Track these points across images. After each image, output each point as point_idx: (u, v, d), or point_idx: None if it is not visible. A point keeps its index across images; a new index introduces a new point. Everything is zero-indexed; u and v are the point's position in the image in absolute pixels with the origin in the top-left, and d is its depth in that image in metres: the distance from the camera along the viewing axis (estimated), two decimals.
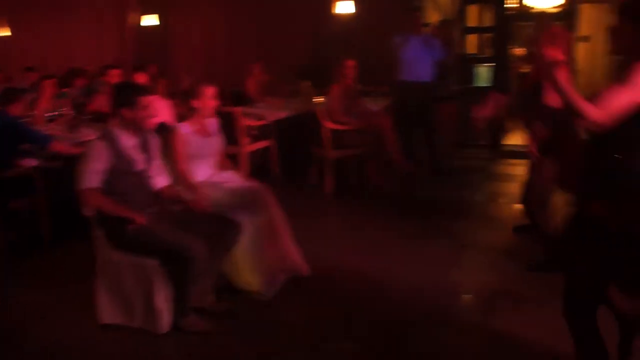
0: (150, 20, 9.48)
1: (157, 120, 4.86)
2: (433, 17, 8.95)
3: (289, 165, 7.05)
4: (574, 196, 2.85)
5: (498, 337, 3.44)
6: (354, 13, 7.86)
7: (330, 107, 6.52)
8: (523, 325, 3.53)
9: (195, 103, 4.04)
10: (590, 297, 2.60)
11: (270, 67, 8.00)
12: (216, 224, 3.69)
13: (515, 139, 8.38)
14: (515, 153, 7.93)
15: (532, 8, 11.28)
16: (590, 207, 2.50)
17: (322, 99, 6.99)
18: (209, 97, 4.05)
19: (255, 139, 6.86)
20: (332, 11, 7.92)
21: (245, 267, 3.91)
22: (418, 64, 6.77)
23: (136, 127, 3.58)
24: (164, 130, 4.56)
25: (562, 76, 2.38)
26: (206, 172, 4.11)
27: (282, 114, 6.98)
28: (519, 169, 7.18)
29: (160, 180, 3.78)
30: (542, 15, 8.49)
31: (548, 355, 3.23)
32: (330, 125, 6.39)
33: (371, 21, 8.16)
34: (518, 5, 9.12)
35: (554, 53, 2.43)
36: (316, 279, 4.20)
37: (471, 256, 4.71)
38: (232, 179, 4.16)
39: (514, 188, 6.54)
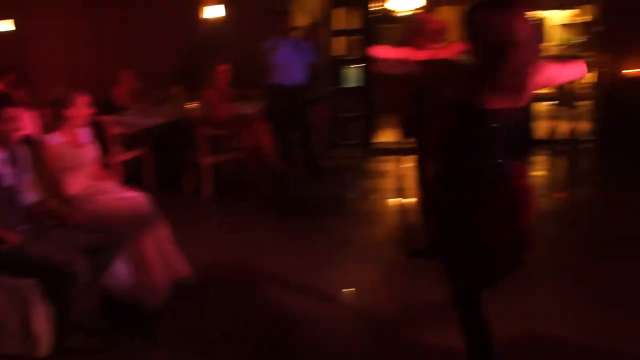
0: (4, 25, 8.90)
1: (22, 132, 4.59)
2: (301, 20, 9.12)
3: (164, 173, 6.91)
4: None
5: (381, 330, 3.58)
6: (224, 17, 7.84)
7: (204, 112, 6.48)
8: (404, 315, 3.71)
9: (67, 112, 3.87)
10: (468, 285, 2.76)
11: (140, 74, 7.78)
12: (96, 237, 3.57)
13: (386, 136, 8.76)
14: (386, 150, 8.30)
15: (394, 11, 11.82)
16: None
17: (196, 104, 6.92)
18: (82, 106, 3.90)
19: (127, 147, 6.67)
20: (202, 15, 7.85)
21: (130, 279, 3.81)
22: (289, 67, 6.88)
23: (2, 140, 3.39)
24: (30, 142, 4.32)
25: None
26: (82, 183, 3.94)
27: (155, 121, 6.83)
28: (390, 166, 7.54)
29: (31, 195, 3.59)
30: (408, 18, 8.92)
31: (435, 346, 3.34)
32: (205, 130, 6.35)
33: (241, 25, 8.16)
34: (381, 8, 9.53)
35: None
36: (202, 285, 4.18)
37: (349, 251, 4.87)
38: (111, 190, 4.03)
39: (387, 184, 6.88)
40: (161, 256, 3.99)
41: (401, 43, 6.15)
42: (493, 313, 2.76)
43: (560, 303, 3.80)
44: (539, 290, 3.98)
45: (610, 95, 8.10)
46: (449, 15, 12.01)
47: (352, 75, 9.05)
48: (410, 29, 4.72)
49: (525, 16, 2.42)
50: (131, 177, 6.36)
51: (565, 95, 10.46)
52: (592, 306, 3.72)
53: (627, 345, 3.26)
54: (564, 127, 8.26)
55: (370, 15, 8.73)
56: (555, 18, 13.00)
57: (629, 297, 3.83)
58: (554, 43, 12.91)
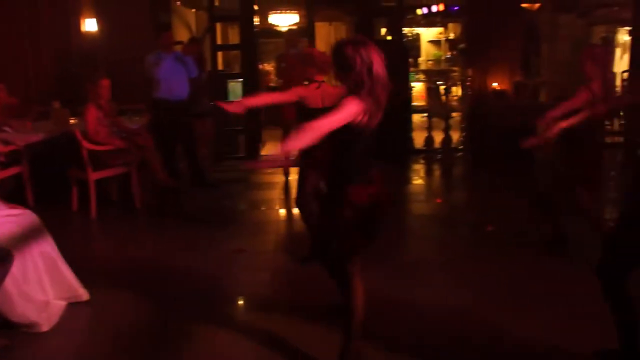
0: None
1: None
2: (183, 35, 9.16)
3: (46, 191, 6.68)
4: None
5: (276, 334, 3.70)
6: (104, 31, 7.73)
7: (86, 127, 6.36)
8: (300, 321, 3.89)
9: None
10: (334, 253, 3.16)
11: (15, 89, 7.47)
12: None
13: (271, 149, 8.96)
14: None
15: (276, 26, 12.14)
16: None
17: (77, 120, 6.77)
18: None
19: (4, 165, 6.40)
20: (81, 29, 7.70)
21: (20, 298, 3.70)
22: (173, 81, 6.89)
23: None
24: None
25: None
26: None
27: (34, 138, 6.59)
28: (278, 177, 7.74)
29: None
30: (286, 33, 9.21)
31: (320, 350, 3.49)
32: (88, 145, 6.23)
33: (121, 39, 8.08)
34: (259, 23, 9.76)
35: None
36: (96, 303, 4.14)
37: (244, 260, 4.99)
38: None
39: (274, 195, 7.08)
40: (52, 274, 3.92)
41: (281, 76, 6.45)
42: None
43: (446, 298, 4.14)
44: (428, 287, 4.32)
45: (475, 107, 8.77)
46: (324, 31, 12.57)
47: (235, 89, 9.18)
48: (295, 62, 5.09)
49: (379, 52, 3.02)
50: (10, 196, 6.12)
51: (440, 107, 11.18)
52: (474, 301, 4.08)
53: (507, 333, 3.63)
54: (439, 138, 8.81)
55: (252, 30, 8.87)
56: (426, 35, 13.87)
57: (511, 291, 4.25)
58: (426, 58, 13.78)
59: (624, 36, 11.75)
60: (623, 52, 11.87)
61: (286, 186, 7.48)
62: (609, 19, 12.82)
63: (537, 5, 11.87)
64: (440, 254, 5.16)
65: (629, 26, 9.57)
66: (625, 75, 9.77)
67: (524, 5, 10.99)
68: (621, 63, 11.56)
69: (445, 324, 3.77)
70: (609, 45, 12.93)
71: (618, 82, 10.16)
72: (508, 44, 8.91)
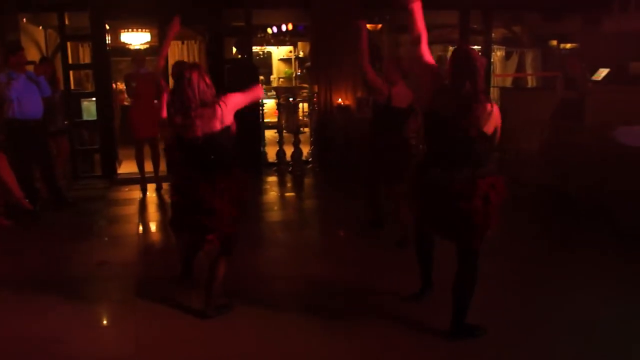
0: None
1: None
2: (32, 54, 9.02)
3: None
4: None
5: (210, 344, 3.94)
6: None
7: None
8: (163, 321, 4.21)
9: None
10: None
11: None
12: None
13: (127, 167, 9.06)
14: (129, 180, 8.66)
15: (127, 44, 12.16)
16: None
17: None
18: None
19: None
20: None
21: None
22: (26, 101, 6.84)
23: None
24: None
25: None
26: None
27: None
28: (134, 194, 7.91)
29: None
30: (134, 52, 9.32)
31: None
32: None
33: None
34: (111, 42, 9.80)
35: None
36: None
37: (105, 271, 5.18)
38: None
39: (131, 210, 7.26)
40: None
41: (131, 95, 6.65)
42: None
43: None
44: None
45: (322, 122, 9.40)
46: (176, 50, 12.78)
47: (89, 108, 9.18)
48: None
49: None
50: None
51: (291, 123, 11.76)
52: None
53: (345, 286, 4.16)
54: (290, 151, 9.33)
55: (104, 49, 8.91)
56: (277, 53, 14.48)
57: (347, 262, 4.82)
58: (278, 75, 14.38)
59: None
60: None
61: (143, 202, 7.72)
62: (443, 39, 14.16)
63: (378, 25, 12.90)
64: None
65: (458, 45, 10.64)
66: None
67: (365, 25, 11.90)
68: None
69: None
70: (442, 63, 14.29)
71: None
72: (351, 62, 9.62)
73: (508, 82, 13.08)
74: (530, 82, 13.62)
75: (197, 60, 13.58)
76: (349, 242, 5.93)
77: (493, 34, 10.96)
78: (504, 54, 13.73)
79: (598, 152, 5.71)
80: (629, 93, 7.54)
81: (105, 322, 4.37)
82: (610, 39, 9.66)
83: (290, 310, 4.36)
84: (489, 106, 3.55)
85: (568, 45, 12.95)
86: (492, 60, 11.55)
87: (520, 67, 13.49)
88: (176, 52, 12.59)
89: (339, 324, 4.12)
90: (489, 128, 3.55)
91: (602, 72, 8.85)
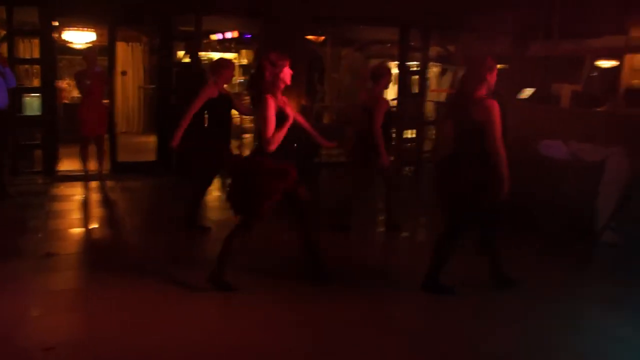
0: None
1: None
2: None
3: None
4: None
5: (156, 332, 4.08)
6: None
7: None
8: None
9: None
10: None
11: None
12: None
13: (69, 164, 9.10)
14: (70, 177, 8.70)
15: (70, 43, 12.10)
16: None
17: None
18: None
19: None
20: None
21: None
22: None
23: None
24: None
25: None
26: None
27: None
28: (76, 191, 7.99)
29: None
30: (86, 50, 9.35)
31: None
32: None
33: None
34: (58, 39, 9.81)
35: None
36: None
37: (50, 262, 5.29)
38: None
39: (73, 206, 7.35)
40: None
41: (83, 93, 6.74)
42: None
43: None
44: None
45: None
46: (121, 50, 12.81)
47: (32, 104, 9.17)
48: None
49: None
50: None
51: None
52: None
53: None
54: None
55: (51, 45, 8.93)
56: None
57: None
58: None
59: (394, 69, 13.53)
60: (393, 83, 13.64)
61: (86, 199, 7.83)
62: (382, 54, 14.69)
63: (321, 38, 13.30)
64: None
65: (397, 60, 11.17)
66: (394, 102, 11.34)
67: (309, 37, 12.30)
68: (391, 92, 13.32)
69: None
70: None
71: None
72: (295, 72, 9.96)
73: (442, 97, 13.70)
74: None
75: (141, 62, 13.66)
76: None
77: (430, 52, 11.53)
78: (439, 70, 14.39)
79: (521, 163, 6.19)
80: (549, 111, 8.16)
81: (56, 309, 4.41)
82: (535, 62, 10.35)
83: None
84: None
85: (499, 66, 13.69)
86: (427, 76, 12.12)
87: (455, 83, 14.15)
88: (121, 53, 12.61)
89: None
90: None
91: (528, 92, 9.49)
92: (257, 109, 4.53)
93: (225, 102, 6.09)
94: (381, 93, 6.28)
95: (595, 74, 11.39)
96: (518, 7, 10.21)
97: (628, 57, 9.65)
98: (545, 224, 6.30)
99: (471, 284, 4.98)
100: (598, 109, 9.10)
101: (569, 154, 6.59)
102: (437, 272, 4.65)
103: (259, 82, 4.49)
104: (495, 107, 4.31)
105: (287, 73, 4.59)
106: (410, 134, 11.00)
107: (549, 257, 5.81)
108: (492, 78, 4.51)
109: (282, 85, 4.59)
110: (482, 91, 4.45)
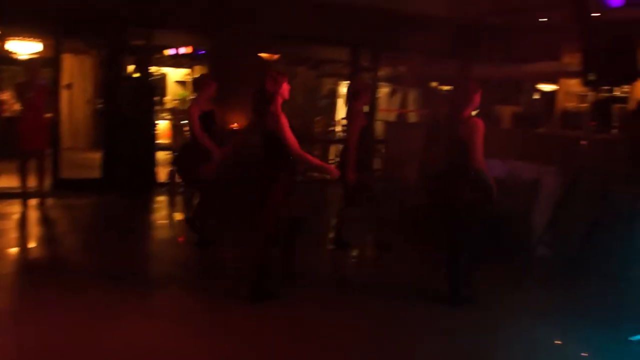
0: None
1: None
2: None
3: None
4: None
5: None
6: None
7: None
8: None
9: None
10: None
11: None
12: None
13: (7, 180, 8.72)
14: (8, 194, 8.36)
15: (13, 53, 11.87)
16: None
17: None
18: None
19: None
20: None
21: None
22: None
23: None
24: None
25: None
26: None
27: None
28: (14, 209, 7.82)
29: None
30: (28, 62, 9.15)
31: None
32: None
33: None
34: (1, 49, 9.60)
35: None
36: None
37: None
38: None
39: (7, 225, 7.17)
40: None
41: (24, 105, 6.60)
42: None
43: None
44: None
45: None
46: (68, 63, 12.64)
47: None
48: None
49: None
50: None
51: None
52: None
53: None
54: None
55: None
56: (173, 75, 14.64)
57: None
58: (172, 97, 14.54)
59: (344, 88, 13.73)
60: (343, 102, 13.82)
61: (24, 216, 7.63)
62: (333, 73, 14.92)
63: (275, 56, 13.43)
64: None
65: (348, 80, 11.41)
66: (344, 121, 11.50)
67: (262, 55, 12.42)
68: (342, 111, 13.53)
69: None
70: (332, 96, 15.06)
71: (338, 127, 11.95)
72: (248, 89, 10.00)
73: (392, 117, 13.98)
74: (412, 117, 14.65)
75: (90, 75, 13.49)
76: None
77: (380, 72, 11.81)
78: (389, 90, 14.71)
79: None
80: (490, 131, 8.46)
81: None
82: (479, 84, 10.71)
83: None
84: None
85: (446, 87, 14.08)
86: (377, 95, 12.38)
87: (404, 103, 14.49)
88: (67, 65, 12.44)
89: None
90: None
91: (473, 113, 9.80)
92: (266, 124, 4.76)
93: (209, 117, 6.28)
94: (359, 110, 6.37)
95: (536, 97, 11.86)
96: (462, 30, 10.59)
97: (563, 82, 10.12)
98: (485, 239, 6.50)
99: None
100: (536, 130, 9.50)
101: (506, 172, 6.85)
102: (457, 287, 4.96)
103: (263, 96, 4.75)
104: (480, 125, 4.71)
105: (285, 89, 4.81)
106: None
107: (487, 270, 5.99)
108: (478, 99, 4.90)
109: (281, 100, 4.79)
110: (469, 111, 4.86)
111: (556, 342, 4.46)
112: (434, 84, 14.66)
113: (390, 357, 4.09)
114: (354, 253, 6.86)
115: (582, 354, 4.27)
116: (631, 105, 5.87)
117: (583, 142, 5.80)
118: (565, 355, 4.29)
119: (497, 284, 5.69)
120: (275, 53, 13.27)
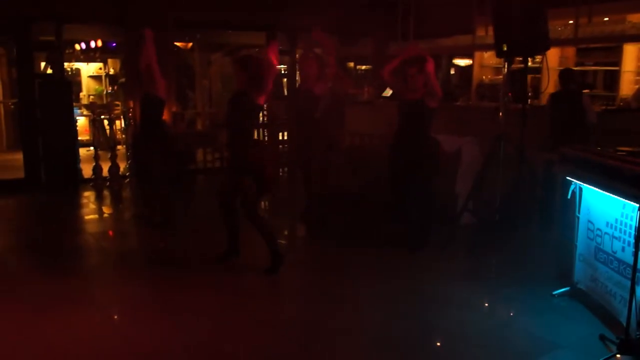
0: None
1: None
2: None
3: None
4: None
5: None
6: None
7: None
8: None
9: None
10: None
11: None
12: None
13: None
14: None
15: None
16: None
17: None
18: None
19: None
20: None
21: None
22: None
23: None
24: None
25: None
26: None
27: None
28: None
29: None
30: None
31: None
32: None
33: None
34: None
35: None
36: None
37: None
38: None
39: None
40: None
41: None
42: None
43: None
44: None
45: (138, 137, 9.52)
46: None
47: None
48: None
49: None
50: None
51: (105, 140, 11.68)
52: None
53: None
54: (106, 167, 9.34)
55: None
56: (86, 70, 14.24)
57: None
58: (88, 93, 14.14)
59: None
60: None
61: None
62: None
63: (189, 44, 13.28)
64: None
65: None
66: (265, 106, 11.55)
67: (177, 43, 12.27)
68: None
69: None
70: None
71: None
72: (164, 79, 9.87)
73: None
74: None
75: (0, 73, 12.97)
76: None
77: (297, 55, 11.89)
78: None
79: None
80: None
81: None
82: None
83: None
84: None
85: (363, 67, 14.32)
86: (297, 78, 12.48)
87: None
88: None
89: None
90: None
91: (390, 90, 10.06)
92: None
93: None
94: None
95: (452, 72, 12.28)
96: (375, 9, 10.80)
97: (477, 55, 10.51)
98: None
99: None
100: (454, 103, 9.86)
101: None
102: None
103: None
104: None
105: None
106: (280, 136, 11.22)
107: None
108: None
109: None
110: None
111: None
112: (350, 64, 14.86)
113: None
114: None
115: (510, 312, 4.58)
116: (545, 84, 6.14)
117: (500, 114, 6.07)
118: (493, 313, 4.59)
119: (427, 250, 5.97)
120: (189, 41, 13.12)
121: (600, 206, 4.33)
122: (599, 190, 4.13)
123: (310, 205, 6.87)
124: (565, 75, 7.00)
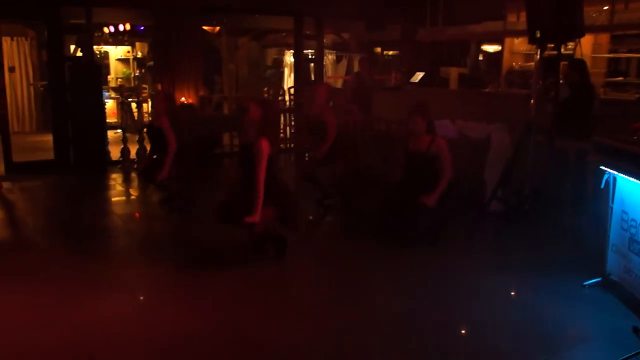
0: None
1: None
2: None
3: None
4: None
5: None
6: None
7: None
8: None
9: None
10: None
11: None
12: None
13: None
14: None
15: None
16: None
17: None
18: None
19: None
20: None
21: None
22: None
23: None
24: None
25: None
26: None
27: None
28: None
29: None
30: None
31: None
32: None
33: None
34: None
35: None
36: None
37: None
38: None
39: None
40: None
41: None
42: None
43: None
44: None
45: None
46: (5, 46, 12.23)
47: None
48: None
49: None
50: None
51: (133, 123, 11.80)
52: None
53: None
54: (134, 149, 9.44)
55: None
56: (115, 53, 14.32)
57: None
58: (116, 76, 14.23)
59: (290, 57, 13.74)
60: (290, 71, 13.85)
61: None
62: (278, 43, 14.86)
63: (217, 28, 13.28)
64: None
65: (293, 49, 11.40)
66: (292, 90, 11.56)
67: (205, 27, 12.28)
68: (289, 80, 13.54)
69: None
70: (280, 65, 15.03)
71: (287, 97, 11.96)
72: (192, 62, 9.95)
73: (339, 84, 14.08)
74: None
75: (29, 58, 13.11)
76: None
77: (324, 40, 11.83)
78: (334, 57, 14.75)
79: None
80: (438, 93, 8.69)
81: None
82: (424, 47, 10.91)
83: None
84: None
85: (391, 52, 14.23)
86: (324, 63, 12.43)
87: (350, 69, 14.59)
88: (6, 48, 12.05)
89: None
90: None
91: (419, 76, 9.98)
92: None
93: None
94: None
95: (481, 58, 12.11)
96: None
97: (508, 41, 10.35)
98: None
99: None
100: (483, 90, 9.73)
101: (456, 132, 7.04)
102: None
103: None
104: None
105: None
106: None
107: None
108: None
109: None
110: None
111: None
112: (377, 49, 14.77)
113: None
114: None
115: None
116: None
117: (532, 101, 5.95)
118: (522, 303, 4.53)
119: (454, 240, 5.91)
120: (216, 25, 13.13)
121: (635, 196, 4.24)
122: (634, 180, 4.04)
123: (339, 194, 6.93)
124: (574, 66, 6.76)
